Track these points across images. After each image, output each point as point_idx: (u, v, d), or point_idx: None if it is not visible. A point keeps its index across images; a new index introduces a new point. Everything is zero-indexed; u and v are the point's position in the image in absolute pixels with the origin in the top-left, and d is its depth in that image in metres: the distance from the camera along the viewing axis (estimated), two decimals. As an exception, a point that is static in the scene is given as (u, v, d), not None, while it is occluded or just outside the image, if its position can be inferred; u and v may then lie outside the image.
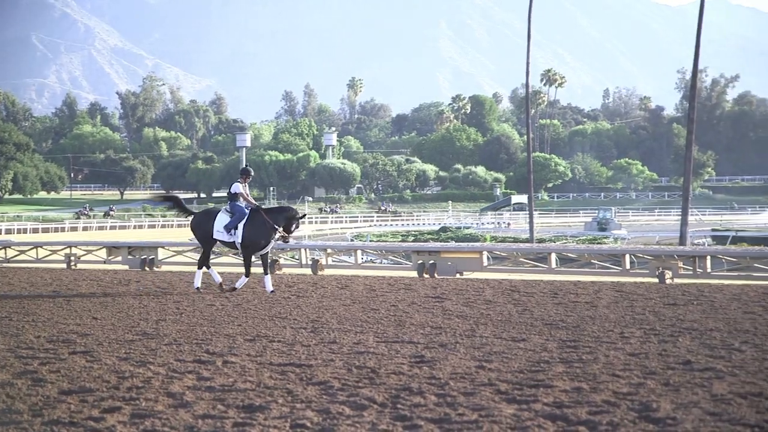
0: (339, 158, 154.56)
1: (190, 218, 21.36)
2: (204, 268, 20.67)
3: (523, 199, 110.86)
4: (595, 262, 26.87)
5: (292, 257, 29.32)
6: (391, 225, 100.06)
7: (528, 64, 64.01)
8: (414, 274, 25.54)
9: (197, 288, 20.22)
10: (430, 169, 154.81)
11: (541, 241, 61.20)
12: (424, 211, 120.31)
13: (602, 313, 15.36)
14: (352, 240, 65.06)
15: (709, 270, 23.69)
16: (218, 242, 20.57)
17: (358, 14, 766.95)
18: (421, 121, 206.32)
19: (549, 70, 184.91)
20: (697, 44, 49.26)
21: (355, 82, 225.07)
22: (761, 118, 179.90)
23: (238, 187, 20.24)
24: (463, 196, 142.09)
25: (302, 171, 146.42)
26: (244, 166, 21.78)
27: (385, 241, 61.76)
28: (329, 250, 29.43)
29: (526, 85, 68.67)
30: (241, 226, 19.81)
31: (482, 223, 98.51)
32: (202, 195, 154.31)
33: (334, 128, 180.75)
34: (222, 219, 20.10)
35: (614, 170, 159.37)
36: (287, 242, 20.72)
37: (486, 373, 10.10)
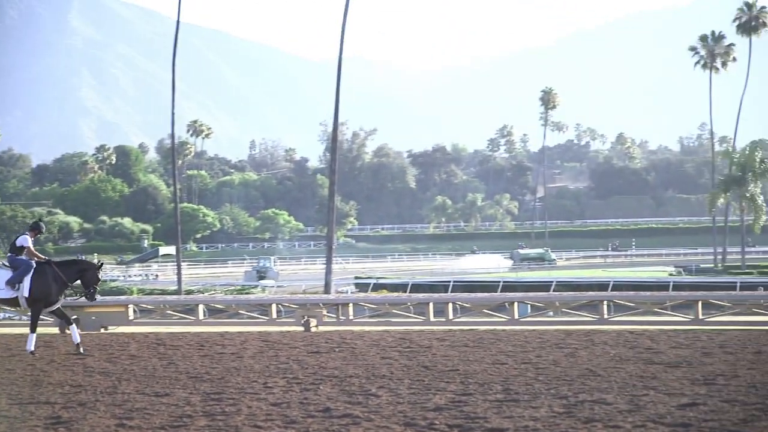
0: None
1: None
2: None
3: (171, 250, 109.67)
4: (243, 312, 27.06)
5: None
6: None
7: (173, 114, 63.92)
8: (56, 330, 24.53)
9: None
10: (74, 221, 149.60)
11: (189, 292, 60.79)
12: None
13: (247, 364, 15.46)
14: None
15: (351, 317, 24.54)
16: None
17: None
18: (64, 172, 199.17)
19: (195, 121, 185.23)
20: (337, 98, 51.33)
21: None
22: (398, 170, 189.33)
23: (26, 240, 18.46)
24: (110, 248, 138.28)
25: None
26: (36, 220, 19.88)
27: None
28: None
29: (172, 136, 68.60)
30: (27, 279, 18.05)
31: (129, 276, 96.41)
32: None
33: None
34: (2, 274, 18.22)
35: (262, 220, 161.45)
36: (93, 299, 18.83)
37: (126, 431, 9.84)
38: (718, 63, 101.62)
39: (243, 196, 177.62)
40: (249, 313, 27.08)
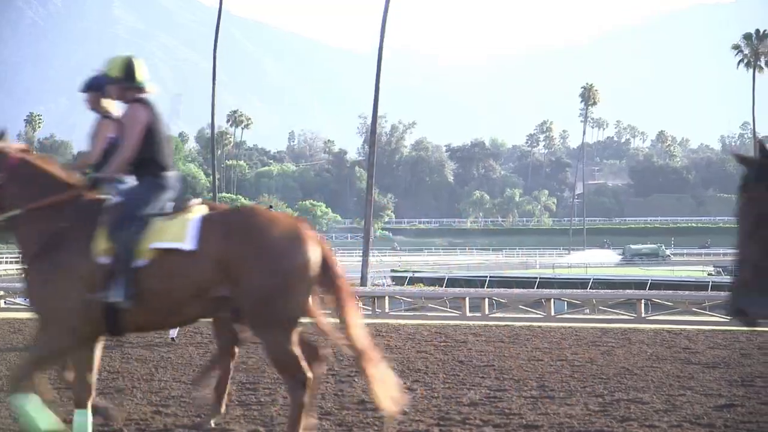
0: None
1: None
2: None
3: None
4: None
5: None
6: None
7: (213, 104, 64.08)
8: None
9: (172, 338, 18.39)
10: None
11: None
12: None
13: (282, 354, 15.48)
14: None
15: (387, 310, 24.53)
16: None
17: (38, 49, 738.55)
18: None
19: (236, 111, 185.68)
20: (377, 90, 51.26)
21: (33, 117, 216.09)
22: (436, 163, 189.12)
23: None
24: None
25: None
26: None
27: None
28: None
29: (212, 126, 68.80)
30: None
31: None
32: None
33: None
34: None
35: (299, 211, 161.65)
36: None
37: (162, 418, 9.90)
38: (762, 62, 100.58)
39: (281, 186, 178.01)
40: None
